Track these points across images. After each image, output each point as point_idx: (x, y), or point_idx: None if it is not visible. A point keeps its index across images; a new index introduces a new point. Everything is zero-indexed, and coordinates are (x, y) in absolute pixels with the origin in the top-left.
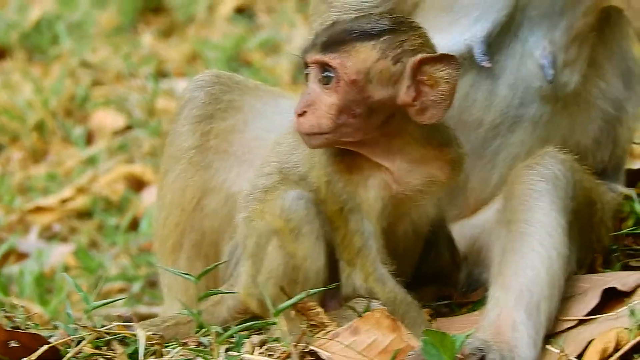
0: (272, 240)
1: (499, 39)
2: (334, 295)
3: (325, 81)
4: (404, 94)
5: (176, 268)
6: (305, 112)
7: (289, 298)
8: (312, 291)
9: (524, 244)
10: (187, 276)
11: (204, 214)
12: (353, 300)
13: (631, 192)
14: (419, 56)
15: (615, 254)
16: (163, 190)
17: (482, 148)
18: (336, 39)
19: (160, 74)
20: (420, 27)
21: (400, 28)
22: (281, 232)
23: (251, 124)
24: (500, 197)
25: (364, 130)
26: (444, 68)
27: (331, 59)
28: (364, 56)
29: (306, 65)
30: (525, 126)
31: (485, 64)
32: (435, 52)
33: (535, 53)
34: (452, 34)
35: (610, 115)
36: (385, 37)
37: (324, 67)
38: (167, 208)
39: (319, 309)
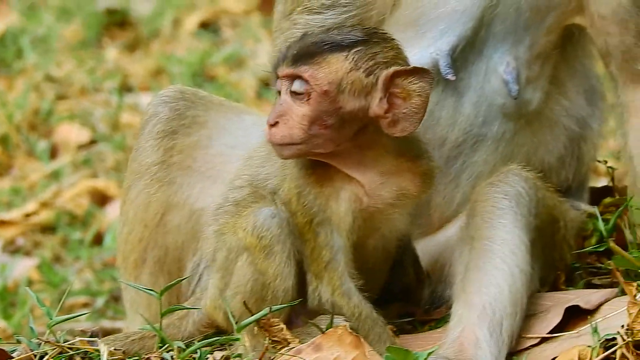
0: (242, 256)
1: (464, 57)
2: (299, 312)
3: (297, 92)
4: (376, 106)
5: (139, 283)
6: (277, 122)
7: (253, 314)
8: (274, 308)
9: (487, 262)
10: (150, 292)
11: (167, 230)
12: (317, 316)
13: (594, 210)
14: (392, 69)
15: (578, 272)
16: (126, 206)
17: (445, 166)
18: (307, 51)
19: (125, 88)
20: (393, 39)
21: (372, 40)
22: (252, 249)
23: (215, 139)
24: (463, 215)
25: (335, 142)
26: (416, 81)
27: (303, 71)
28: (335, 67)
29: (277, 78)
30: (488, 144)
31: (450, 77)
32: (408, 65)
33: (499, 69)
34: (417, 48)
35: (574, 132)
36: (357, 49)
37: (296, 79)
38: (130, 223)
39: (282, 325)
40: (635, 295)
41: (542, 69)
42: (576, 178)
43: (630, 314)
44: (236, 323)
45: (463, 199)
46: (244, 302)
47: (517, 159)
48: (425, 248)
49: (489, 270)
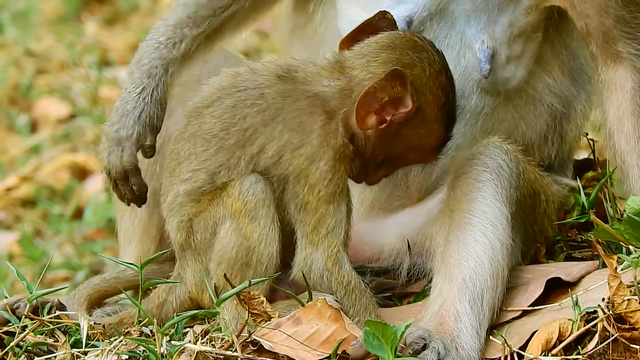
0: (225, 224)
1: (433, 28)
2: (282, 283)
3: None
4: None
5: None
6: None
7: (234, 286)
8: (254, 280)
9: (467, 234)
10: (131, 266)
11: None
12: (299, 290)
13: (576, 183)
14: None
15: (559, 245)
16: None
17: None
18: None
19: (104, 62)
20: None
21: None
22: (237, 214)
23: None
24: (444, 187)
25: None
26: None
27: None
28: None
29: None
30: (467, 117)
31: None
32: None
33: (474, 46)
34: (373, 12)
35: (557, 111)
36: None
37: None
38: None
39: (262, 298)
40: (615, 268)
41: (525, 48)
42: (559, 156)
43: (611, 287)
44: (218, 296)
45: (442, 171)
46: (225, 275)
47: (497, 133)
48: (405, 221)
49: (470, 243)
